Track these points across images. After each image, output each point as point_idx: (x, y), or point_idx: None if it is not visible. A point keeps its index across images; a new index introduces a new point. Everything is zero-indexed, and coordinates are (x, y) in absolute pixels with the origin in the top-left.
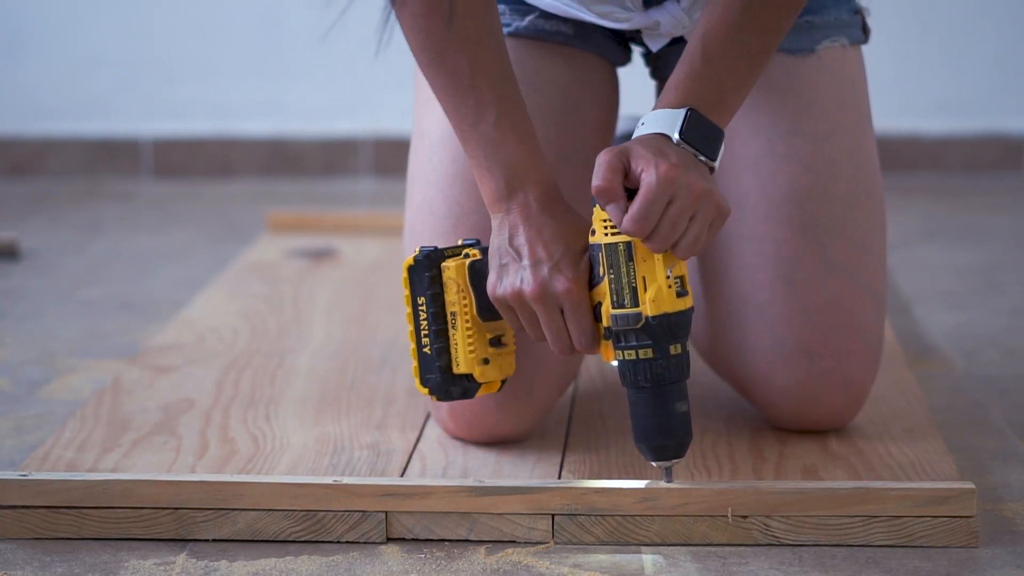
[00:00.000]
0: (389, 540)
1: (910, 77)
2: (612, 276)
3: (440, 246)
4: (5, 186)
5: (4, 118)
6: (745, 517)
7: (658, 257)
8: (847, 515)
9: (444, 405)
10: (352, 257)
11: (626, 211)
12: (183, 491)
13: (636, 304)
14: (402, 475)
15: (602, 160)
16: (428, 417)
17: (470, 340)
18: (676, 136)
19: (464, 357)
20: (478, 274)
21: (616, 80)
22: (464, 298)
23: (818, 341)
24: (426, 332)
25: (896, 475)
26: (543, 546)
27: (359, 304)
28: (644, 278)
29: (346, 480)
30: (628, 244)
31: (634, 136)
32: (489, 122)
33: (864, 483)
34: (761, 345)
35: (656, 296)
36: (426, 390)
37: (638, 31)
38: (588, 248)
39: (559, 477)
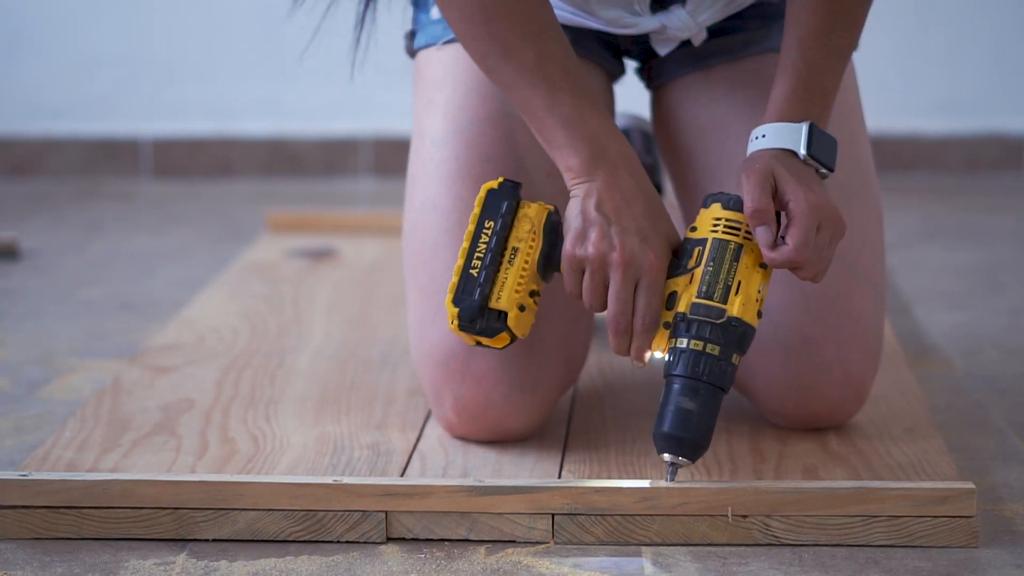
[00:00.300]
0: (389, 540)
1: (910, 77)
2: (711, 268)
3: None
4: (5, 186)
5: (4, 118)
6: (745, 517)
7: (757, 271)
8: (847, 515)
9: (448, 400)
10: (352, 257)
11: (776, 233)
12: (183, 491)
13: (725, 301)
14: (402, 475)
15: (753, 181)
16: (428, 417)
17: (521, 281)
18: (803, 152)
19: (508, 294)
20: (553, 226)
21: (612, 90)
22: (533, 240)
23: (818, 331)
24: (481, 255)
25: (896, 475)
26: (543, 546)
27: (359, 304)
28: (740, 282)
29: (346, 480)
30: (740, 246)
31: (754, 148)
32: (566, 104)
33: (864, 483)
34: (761, 335)
35: (745, 301)
36: (456, 311)
37: (646, 37)
38: (672, 235)
39: (559, 477)
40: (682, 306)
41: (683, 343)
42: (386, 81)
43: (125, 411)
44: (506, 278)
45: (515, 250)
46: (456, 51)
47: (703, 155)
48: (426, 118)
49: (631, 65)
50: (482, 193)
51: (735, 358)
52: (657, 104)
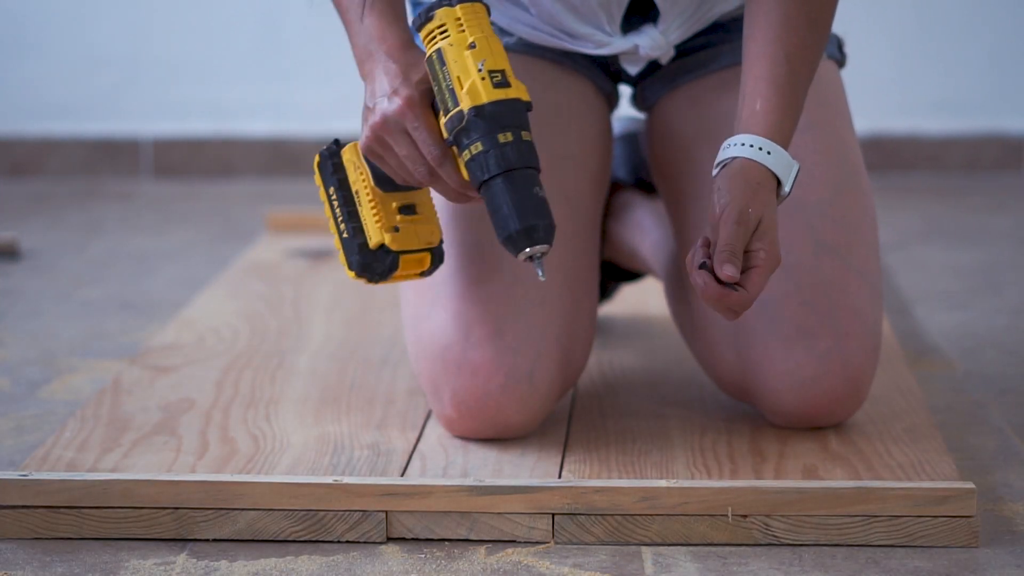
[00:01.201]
0: (389, 540)
1: (910, 77)
2: (436, 87)
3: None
4: (5, 186)
5: (4, 118)
6: (745, 517)
7: (466, 53)
8: (847, 515)
9: (446, 394)
10: None
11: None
12: (183, 491)
13: (456, 104)
14: (402, 475)
15: (738, 222)
16: (428, 417)
17: (374, 211)
18: (786, 190)
19: (373, 228)
20: None
21: (605, 108)
22: (361, 173)
23: (814, 321)
24: (341, 218)
25: (896, 475)
26: (543, 546)
27: (359, 304)
28: (459, 78)
29: (346, 480)
30: (438, 50)
31: (744, 155)
32: (356, 7)
33: (864, 483)
34: (758, 330)
35: (470, 89)
36: (352, 273)
37: (616, 57)
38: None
39: (559, 477)
40: (444, 132)
41: (464, 159)
42: None
43: (125, 411)
44: (365, 218)
45: (357, 193)
46: None
47: (685, 171)
48: None
49: (626, 91)
50: (315, 172)
51: (504, 136)
52: (651, 125)
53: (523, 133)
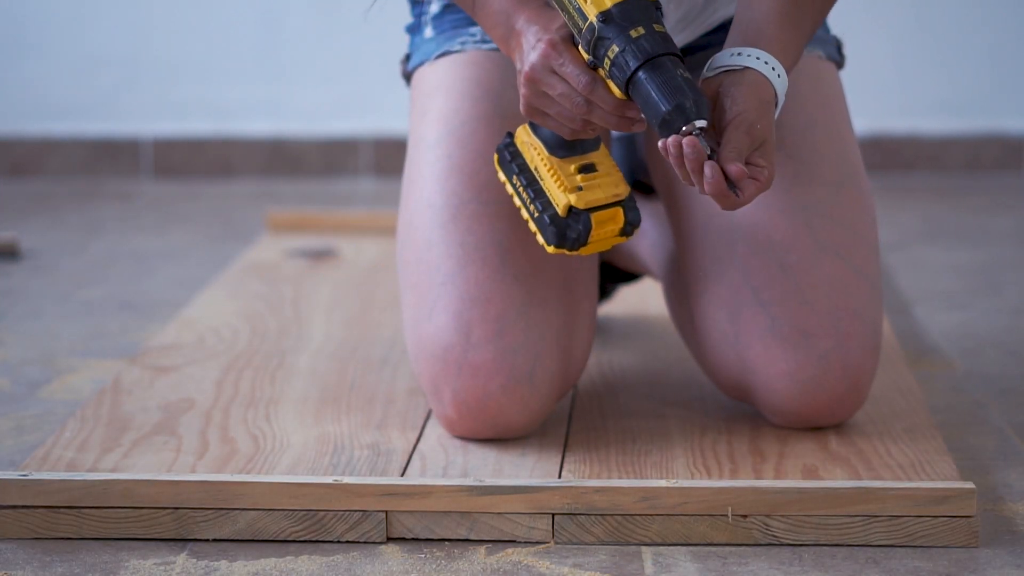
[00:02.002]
0: (389, 540)
1: (910, 77)
2: (569, 21)
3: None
4: (5, 186)
5: (4, 118)
6: (745, 517)
7: None
8: (847, 515)
9: (447, 394)
10: (352, 257)
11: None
12: (183, 491)
13: (585, 19)
14: (402, 475)
15: (748, 139)
16: (428, 417)
17: (555, 178)
18: (776, 115)
19: (557, 195)
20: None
21: None
22: (535, 149)
23: (815, 322)
24: (529, 199)
25: (896, 475)
26: (543, 546)
27: (359, 304)
28: None
29: (346, 480)
30: None
31: (759, 70)
32: None
33: (864, 483)
34: (759, 330)
35: (594, 1)
36: (552, 247)
37: None
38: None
39: (559, 477)
40: (587, 56)
41: (607, 66)
42: (386, 81)
43: (125, 411)
44: (549, 189)
45: (536, 169)
46: (448, 62)
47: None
48: (421, 127)
49: None
50: (497, 170)
51: (635, 31)
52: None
53: (655, 26)
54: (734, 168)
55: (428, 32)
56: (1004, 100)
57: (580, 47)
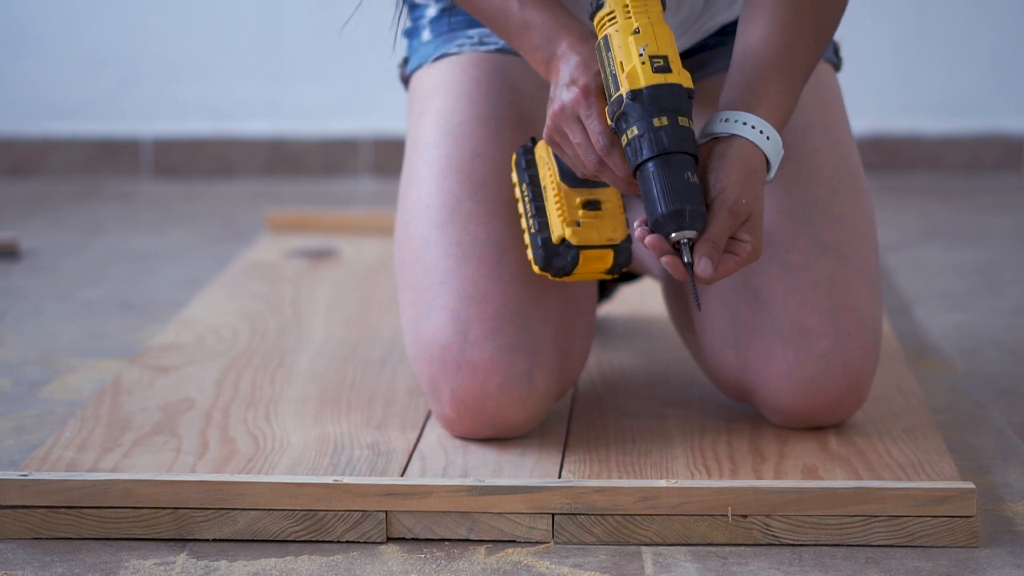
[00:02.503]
0: (389, 540)
1: (910, 77)
2: (603, 75)
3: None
4: (5, 186)
5: (4, 118)
6: (745, 517)
7: (630, 38)
8: (847, 515)
9: (446, 394)
10: (352, 257)
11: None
12: (183, 491)
13: (617, 89)
14: (402, 475)
15: (730, 216)
16: (428, 417)
17: (558, 205)
18: (771, 177)
19: (556, 222)
20: None
21: None
22: (549, 168)
23: (815, 320)
24: (530, 212)
25: (896, 475)
26: (543, 546)
27: (359, 304)
28: (621, 63)
29: (346, 480)
30: (606, 37)
31: (746, 136)
32: (515, 12)
33: (864, 483)
34: (758, 329)
35: (630, 73)
36: (537, 268)
37: None
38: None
39: (559, 477)
40: (610, 121)
41: (623, 142)
42: (386, 81)
43: (125, 411)
44: (550, 213)
45: (544, 188)
46: (445, 64)
47: None
48: (419, 127)
49: None
50: (511, 170)
51: (659, 121)
52: None
53: (680, 118)
54: (700, 270)
55: (426, 35)
56: (1004, 100)
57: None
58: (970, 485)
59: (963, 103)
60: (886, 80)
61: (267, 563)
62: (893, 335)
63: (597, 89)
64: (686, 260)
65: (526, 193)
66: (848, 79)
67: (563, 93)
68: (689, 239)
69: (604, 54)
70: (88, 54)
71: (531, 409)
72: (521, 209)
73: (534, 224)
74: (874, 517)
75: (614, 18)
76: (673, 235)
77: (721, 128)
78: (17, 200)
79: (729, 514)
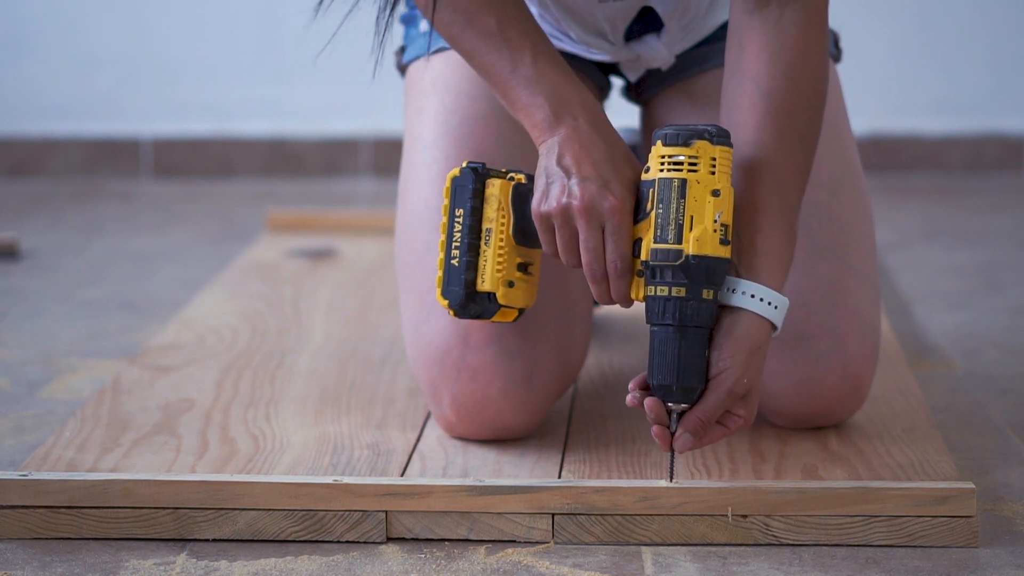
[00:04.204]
0: (389, 540)
1: (910, 77)
2: (660, 211)
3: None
4: (5, 186)
5: (4, 118)
6: (745, 517)
7: (709, 200)
8: (847, 515)
9: (446, 397)
10: (352, 257)
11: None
12: (183, 491)
13: (680, 241)
14: (402, 475)
15: (731, 392)
16: (428, 417)
17: (500, 258)
18: (777, 333)
19: (491, 274)
20: (521, 196)
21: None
22: (503, 216)
23: (813, 322)
24: (458, 244)
25: (896, 475)
26: (543, 546)
27: (359, 304)
28: (692, 217)
29: (346, 480)
30: (683, 181)
31: (752, 310)
32: (526, 63)
33: (864, 483)
34: None
35: (701, 236)
36: (446, 302)
37: (617, 63)
38: (637, 180)
39: (559, 477)
40: (644, 253)
41: (651, 291)
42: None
43: (125, 411)
44: (487, 259)
45: (488, 231)
46: (444, 59)
47: None
48: (417, 125)
49: (618, 82)
50: (447, 183)
51: (707, 293)
52: (646, 118)
53: (706, 292)
54: (679, 445)
55: (423, 25)
56: (1004, 100)
57: (644, 229)
58: (970, 485)
59: (963, 103)
60: (886, 80)
61: (267, 563)
62: (893, 335)
63: (631, 207)
64: (672, 429)
65: (460, 220)
66: (848, 79)
67: (593, 192)
68: (680, 412)
69: (675, 196)
70: (88, 54)
71: (531, 412)
72: (445, 231)
73: (461, 260)
74: (874, 517)
75: (696, 166)
76: (671, 405)
77: (727, 300)
78: (17, 200)
79: (729, 514)
